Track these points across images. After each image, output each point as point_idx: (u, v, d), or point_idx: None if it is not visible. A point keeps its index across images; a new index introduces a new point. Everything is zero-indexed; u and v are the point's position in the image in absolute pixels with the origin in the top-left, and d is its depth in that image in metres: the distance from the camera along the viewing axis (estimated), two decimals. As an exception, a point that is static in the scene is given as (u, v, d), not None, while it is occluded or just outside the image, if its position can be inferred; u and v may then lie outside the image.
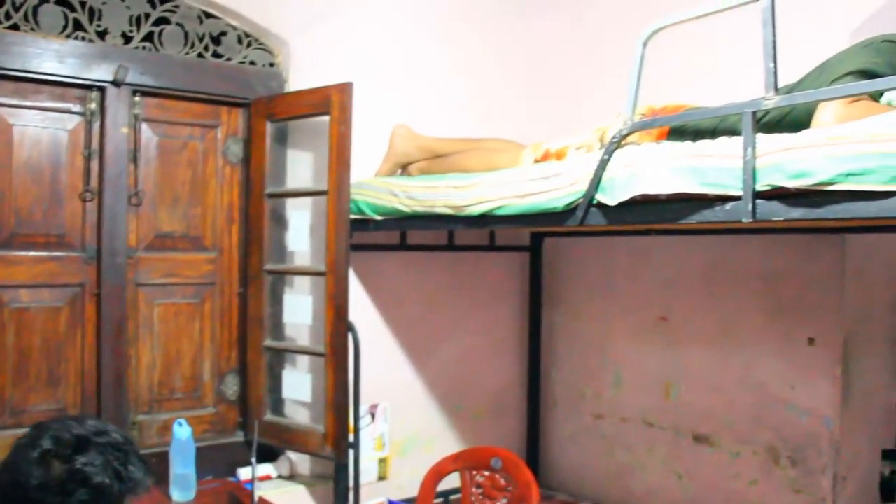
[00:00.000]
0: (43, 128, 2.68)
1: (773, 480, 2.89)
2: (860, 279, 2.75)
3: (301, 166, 3.12)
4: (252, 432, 2.70)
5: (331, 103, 2.77)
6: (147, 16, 2.85)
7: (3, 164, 2.61)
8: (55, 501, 1.44)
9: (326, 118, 2.79)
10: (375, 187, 2.87)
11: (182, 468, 2.60)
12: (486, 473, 2.31)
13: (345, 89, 2.73)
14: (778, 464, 2.87)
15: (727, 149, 1.71)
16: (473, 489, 2.34)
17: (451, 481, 2.45)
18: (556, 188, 2.10)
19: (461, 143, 3.07)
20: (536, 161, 2.49)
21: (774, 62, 1.64)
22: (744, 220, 1.68)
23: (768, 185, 1.63)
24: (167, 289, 2.94)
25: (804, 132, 1.63)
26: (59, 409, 2.71)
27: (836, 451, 2.73)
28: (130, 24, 2.82)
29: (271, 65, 3.11)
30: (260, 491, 2.61)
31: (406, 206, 2.70)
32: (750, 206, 1.66)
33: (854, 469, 2.76)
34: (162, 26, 2.89)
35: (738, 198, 1.69)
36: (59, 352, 2.73)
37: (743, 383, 2.98)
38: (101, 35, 2.75)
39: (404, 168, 3.14)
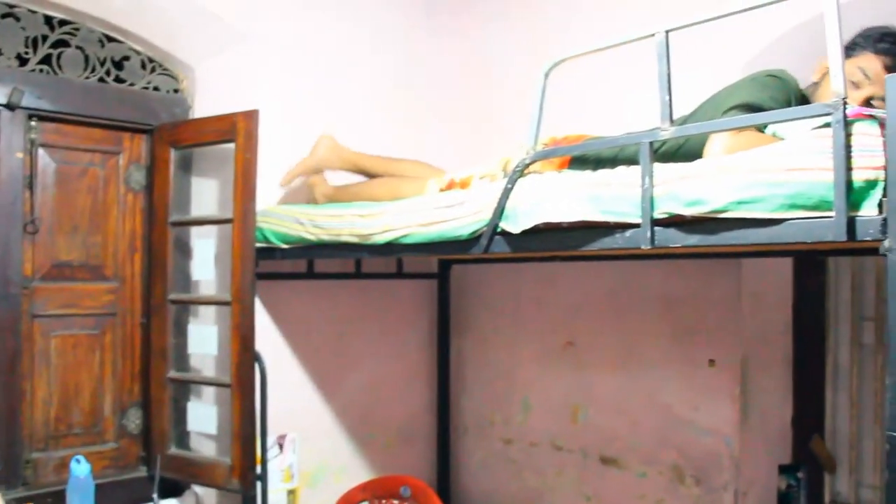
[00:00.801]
0: (-70, 153, 2.57)
1: (679, 499, 2.95)
2: (756, 302, 2.86)
3: (206, 194, 3.07)
4: (155, 467, 2.62)
5: (236, 130, 2.73)
6: (45, 38, 2.78)
7: None
8: None
9: (232, 145, 2.76)
10: (281, 215, 2.84)
11: (80, 507, 2.50)
12: (396, 502, 2.30)
13: (251, 116, 2.71)
14: (683, 483, 2.94)
15: (626, 178, 1.76)
16: (383, 519, 2.33)
17: (361, 511, 2.44)
18: (460, 216, 2.12)
19: (382, 162, 3.07)
20: (441, 190, 2.52)
21: (669, 95, 1.70)
22: (643, 246, 1.72)
23: (665, 213, 1.67)
24: (65, 320, 2.84)
25: (698, 162, 1.69)
26: (-54, 449, 2.58)
27: (736, 468, 2.81)
28: (26, 46, 2.74)
29: (176, 91, 3.06)
30: (163, 527, 2.54)
31: (312, 234, 2.68)
32: (648, 234, 1.70)
33: (753, 485, 2.84)
34: (61, 49, 2.81)
35: (637, 225, 1.73)
36: (-52, 387, 2.60)
37: (648, 405, 3.05)
38: (-5, 57, 2.67)
39: (314, 186, 3.12)
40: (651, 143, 1.70)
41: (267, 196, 2.84)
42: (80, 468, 2.52)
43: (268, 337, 3.11)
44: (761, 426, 2.88)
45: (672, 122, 1.70)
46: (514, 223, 1.98)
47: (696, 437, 2.91)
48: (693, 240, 1.67)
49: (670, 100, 1.70)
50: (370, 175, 3.07)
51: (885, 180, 1.36)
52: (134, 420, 2.99)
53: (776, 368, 2.94)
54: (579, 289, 3.28)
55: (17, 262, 2.69)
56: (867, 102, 1.87)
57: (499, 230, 2.03)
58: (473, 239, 2.10)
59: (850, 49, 1.94)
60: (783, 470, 2.85)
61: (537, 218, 1.90)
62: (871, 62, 1.91)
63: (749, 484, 2.83)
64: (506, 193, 1.98)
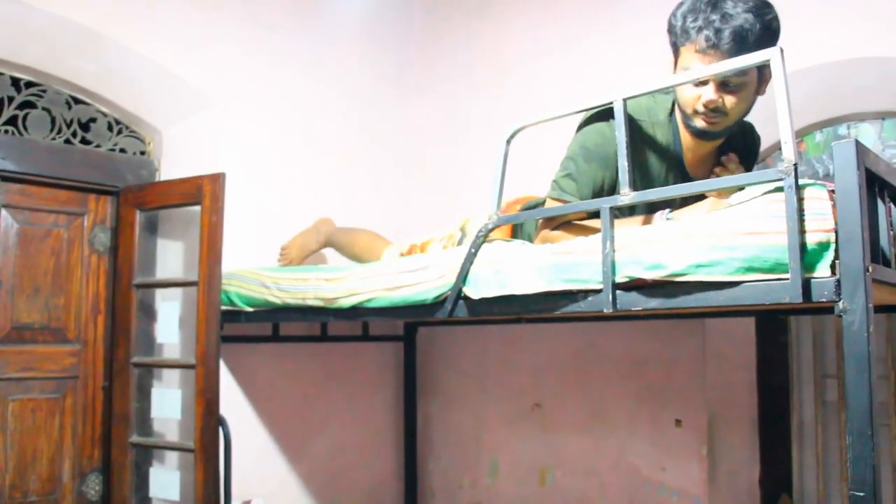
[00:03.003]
0: None
1: (647, 563, 2.93)
2: (720, 361, 2.88)
3: (171, 256, 3.06)
4: (114, 536, 2.56)
5: (202, 193, 2.74)
6: (10, 99, 2.78)
7: None
8: None
9: (198, 208, 2.76)
10: (246, 278, 2.83)
11: (34, 579, 2.43)
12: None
13: (217, 179, 2.72)
14: (651, 545, 2.93)
15: (587, 245, 1.78)
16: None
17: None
18: (424, 281, 2.12)
19: (344, 234, 3.18)
20: (402, 254, 2.53)
21: (628, 161, 1.73)
22: (605, 310, 1.73)
23: (627, 277, 1.69)
24: (24, 383, 2.78)
25: (658, 226, 1.72)
26: None
27: (705, 530, 2.80)
28: (-8, 108, 2.74)
29: (142, 153, 3.07)
30: None
31: (277, 297, 2.67)
32: (610, 298, 1.71)
33: (722, 547, 2.83)
34: (27, 110, 2.81)
35: (599, 290, 1.75)
36: None
37: (616, 466, 3.04)
38: (-41, 119, 2.67)
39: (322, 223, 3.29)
40: (611, 209, 1.73)
41: (232, 259, 2.84)
42: (36, 538, 2.46)
43: (232, 400, 3.07)
44: (729, 486, 2.88)
45: (631, 188, 1.73)
46: (477, 289, 1.99)
47: (664, 497, 2.90)
48: (654, 303, 1.69)
49: (629, 166, 1.73)
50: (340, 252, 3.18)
51: (836, 242, 1.39)
52: (94, 486, 2.92)
53: (742, 427, 2.95)
54: (545, 350, 3.29)
55: (-24, 326, 2.66)
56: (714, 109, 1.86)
57: (462, 295, 2.04)
58: (438, 303, 2.11)
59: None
60: (751, 531, 2.85)
61: (500, 288, 1.92)
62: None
63: (718, 545, 2.82)
64: (469, 258, 1.99)
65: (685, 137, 1.99)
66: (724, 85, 1.82)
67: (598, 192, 1.96)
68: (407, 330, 3.65)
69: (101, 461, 2.93)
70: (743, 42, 1.74)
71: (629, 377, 3.02)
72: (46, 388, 2.84)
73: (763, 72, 1.84)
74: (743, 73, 1.77)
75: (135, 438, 2.88)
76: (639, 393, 3.00)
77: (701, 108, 1.85)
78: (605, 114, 1.94)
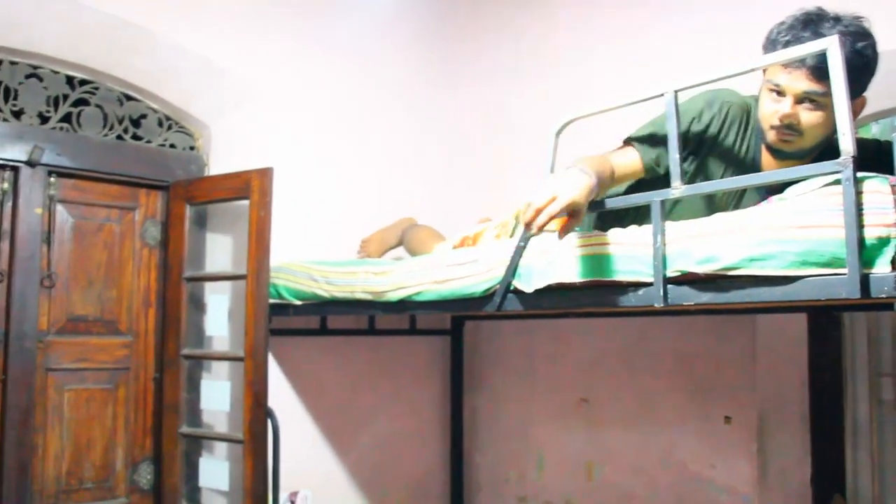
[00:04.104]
0: (-49, 208, 2.61)
1: (696, 560, 2.90)
2: (771, 358, 2.83)
3: (220, 250, 3.09)
4: (165, 524, 2.60)
5: (251, 187, 2.76)
6: (65, 97, 2.83)
7: None
8: None
9: (246, 202, 2.79)
10: (295, 272, 2.85)
11: (89, 564, 2.48)
12: (408, 562, 2.26)
13: (265, 174, 2.74)
14: (700, 543, 2.89)
15: (638, 237, 1.76)
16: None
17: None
18: (473, 274, 2.12)
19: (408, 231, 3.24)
20: (454, 247, 2.53)
21: (679, 153, 1.70)
22: (656, 305, 1.71)
23: (678, 271, 1.67)
24: (79, 374, 2.85)
25: (710, 219, 1.69)
26: (-44, 503, 2.58)
27: (755, 529, 2.76)
28: (48, 105, 2.79)
29: (192, 148, 3.10)
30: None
31: (325, 291, 2.69)
32: (661, 292, 1.69)
33: (773, 546, 2.79)
34: (81, 107, 2.87)
35: (649, 284, 1.73)
36: (-42, 441, 2.60)
37: (664, 463, 3.01)
38: (17, 115, 2.72)
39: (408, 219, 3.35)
40: (663, 202, 1.71)
41: (281, 252, 2.86)
42: (91, 524, 2.51)
43: (281, 393, 3.11)
44: (780, 484, 2.83)
45: (682, 181, 1.70)
46: (527, 282, 1.98)
47: (713, 495, 2.86)
48: (705, 297, 1.66)
49: (680, 158, 1.71)
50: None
51: (898, 238, 1.36)
52: (145, 475, 2.97)
53: (794, 425, 2.90)
54: (593, 345, 3.27)
55: (33, 316, 2.71)
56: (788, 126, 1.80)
57: (512, 288, 2.04)
58: (486, 297, 2.10)
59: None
60: (803, 530, 2.80)
61: (550, 278, 1.90)
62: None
63: (768, 544, 2.77)
64: (519, 252, 1.98)
65: (764, 154, 1.92)
66: (803, 101, 1.76)
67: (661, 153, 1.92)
68: (454, 323, 3.65)
69: (152, 450, 2.99)
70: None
71: (677, 373, 2.99)
72: (100, 378, 2.90)
73: (853, 96, 1.71)
74: (825, 92, 1.65)
75: (185, 429, 2.93)
76: (687, 389, 2.96)
77: (776, 122, 1.79)
78: (704, 98, 1.94)
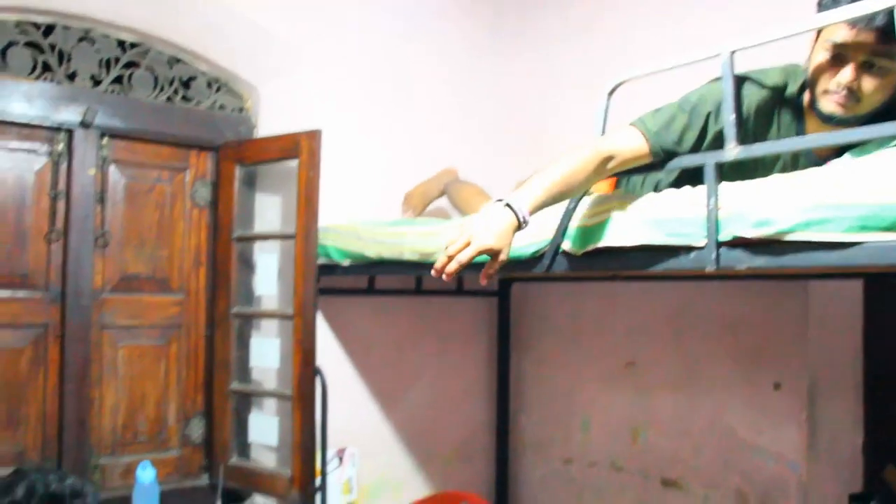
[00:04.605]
0: (9, 168, 2.66)
1: (742, 525, 2.89)
2: (824, 325, 2.78)
3: (269, 210, 3.12)
4: (218, 476, 2.66)
5: (300, 149, 2.78)
6: (117, 59, 2.86)
7: (-33, 205, 2.59)
8: None
9: (295, 163, 2.80)
10: (343, 232, 2.87)
11: (145, 513, 2.56)
12: (454, 520, 2.29)
13: (314, 136, 2.75)
14: (746, 508, 2.88)
15: (690, 199, 1.73)
16: (441, 536, 2.32)
17: (419, 528, 2.44)
18: (522, 236, 2.11)
19: (454, 188, 3.23)
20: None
21: (735, 114, 1.67)
22: (708, 268, 1.69)
23: (731, 235, 1.64)
24: (133, 331, 2.91)
25: (765, 181, 1.65)
26: (19, 452, 2.65)
27: (803, 496, 2.73)
28: (100, 67, 2.82)
29: (241, 109, 3.12)
30: (225, 537, 2.58)
31: (373, 251, 2.70)
32: (713, 255, 1.67)
33: (821, 513, 2.77)
34: (131, 70, 2.89)
35: (701, 247, 1.70)
36: (20, 393, 2.68)
37: (710, 428, 2.99)
38: (71, 77, 2.76)
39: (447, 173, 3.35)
40: (717, 164, 1.68)
41: (329, 212, 2.88)
42: (146, 474, 2.58)
43: (329, 351, 3.15)
44: (830, 453, 2.80)
45: (738, 142, 1.67)
46: (577, 244, 1.96)
47: (760, 461, 2.84)
48: (759, 262, 1.63)
49: (736, 119, 1.67)
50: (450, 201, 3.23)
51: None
52: (197, 429, 3.04)
53: (846, 393, 2.85)
54: (640, 309, 3.24)
55: (88, 275, 2.77)
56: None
57: (560, 250, 2.02)
58: (535, 258, 2.09)
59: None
60: (854, 499, 2.76)
61: (600, 241, 1.89)
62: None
63: (817, 512, 2.75)
64: (568, 214, 1.96)
65: (810, 121, 1.81)
66: (865, 65, 1.63)
67: (678, 144, 1.82)
68: (501, 285, 3.65)
69: (203, 406, 3.05)
70: None
71: (726, 338, 2.95)
72: (152, 335, 2.96)
73: None
74: (890, 55, 1.58)
75: (235, 385, 2.98)
76: (736, 354, 2.92)
77: (834, 87, 1.66)
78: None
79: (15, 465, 1.57)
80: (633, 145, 1.82)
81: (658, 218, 1.77)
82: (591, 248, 1.92)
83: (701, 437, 3.02)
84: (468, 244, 1.68)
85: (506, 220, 1.71)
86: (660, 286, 3.12)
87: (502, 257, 1.71)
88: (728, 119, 1.66)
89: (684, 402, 3.07)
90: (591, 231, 1.92)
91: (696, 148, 1.82)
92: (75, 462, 2.69)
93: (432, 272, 1.74)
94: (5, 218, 2.65)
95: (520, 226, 1.72)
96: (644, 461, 3.21)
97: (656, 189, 2.00)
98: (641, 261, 1.87)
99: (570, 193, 1.84)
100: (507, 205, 1.72)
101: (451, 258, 1.68)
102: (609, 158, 1.81)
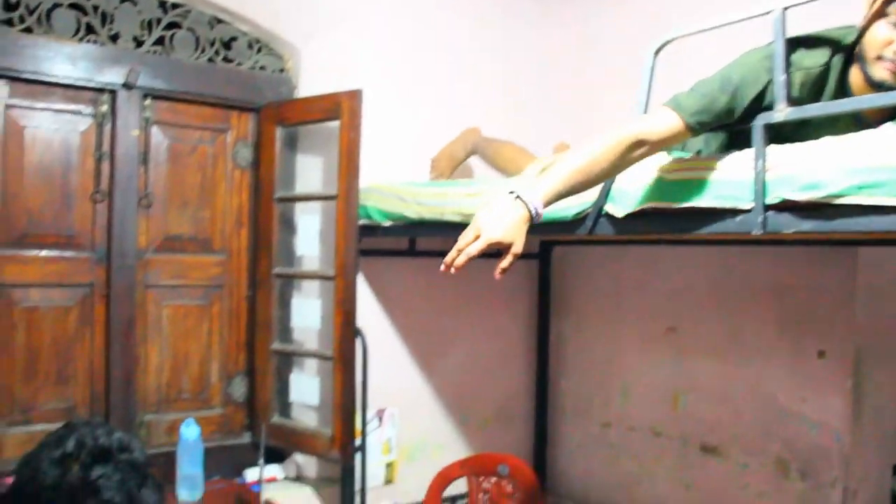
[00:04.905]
0: (55, 129, 2.69)
1: (783, 493, 2.86)
2: (872, 293, 2.72)
3: (310, 171, 3.12)
4: (259, 434, 2.70)
5: (341, 109, 2.77)
6: (158, 20, 2.86)
7: (15, 166, 2.62)
8: None
9: (336, 123, 2.79)
10: (384, 193, 2.86)
11: (189, 468, 2.60)
12: (493, 480, 2.30)
13: (354, 96, 2.74)
14: (787, 476, 2.85)
15: (737, 161, 1.70)
16: (480, 495, 2.33)
17: (458, 487, 2.44)
18: (565, 197, 2.09)
19: (492, 146, 3.16)
20: (543, 170, 2.49)
21: (786, 74, 1.62)
22: (754, 232, 1.66)
23: (778, 198, 1.61)
24: (176, 290, 2.95)
25: (815, 144, 1.61)
26: (68, 408, 2.72)
27: (846, 465, 2.70)
28: (142, 28, 2.83)
29: (281, 70, 3.11)
30: (267, 492, 2.61)
31: (415, 212, 2.69)
32: (760, 219, 1.64)
33: (865, 483, 2.73)
34: (173, 31, 2.89)
35: (748, 210, 1.67)
36: (69, 351, 2.74)
37: (752, 395, 2.96)
38: (113, 39, 2.76)
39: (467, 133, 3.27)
40: (765, 126, 1.64)
41: (370, 173, 2.87)
42: (190, 431, 2.62)
43: (369, 312, 3.16)
44: (875, 422, 2.76)
45: (788, 103, 1.62)
46: (620, 205, 1.94)
47: (803, 429, 2.81)
48: (807, 226, 1.60)
49: (787, 79, 1.63)
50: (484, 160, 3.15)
51: None
52: (239, 388, 3.09)
53: (892, 362, 2.80)
54: (683, 274, 3.20)
55: (132, 235, 2.80)
56: None
57: (604, 212, 2.00)
58: (578, 220, 2.08)
59: None
60: (898, 469, 2.74)
61: (644, 202, 1.86)
62: None
63: (859, 482, 2.71)
64: (612, 176, 1.94)
65: (857, 84, 1.73)
66: None
67: (714, 121, 1.73)
68: (542, 248, 3.63)
69: (245, 365, 3.09)
70: None
71: (770, 304, 2.91)
72: (195, 295, 2.99)
73: None
74: None
75: (276, 345, 3.01)
76: (780, 321, 2.88)
77: (889, 55, 1.61)
78: (764, 65, 1.70)
79: (65, 420, 1.60)
80: (668, 127, 1.72)
81: (703, 180, 1.74)
82: (633, 209, 1.89)
83: (742, 404, 2.99)
84: (477, 237, 1.65)
85: (517, 213, 1.66)
86: (703, 250, 3.08)
87: (515, 250, 1.67)
88: (778, 79, 1.62)
89: (726, 369, 3.04)
90: (634, 193, 1.89)
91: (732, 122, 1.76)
92: (122, 419, 2.75)
93: (441, 267, 1.71)
94: (52, 179, 2.69)
95: (532, 219, 1.68)
96: (684, 427, 3.19)
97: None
98: (685, 224, 1.85)
99: (593, 182, 1.77)
100: (519, 197, 1.67)
101: (460, 251, 1.65)
102: (639, 143, 1.71)
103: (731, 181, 1.69)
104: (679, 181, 1.80)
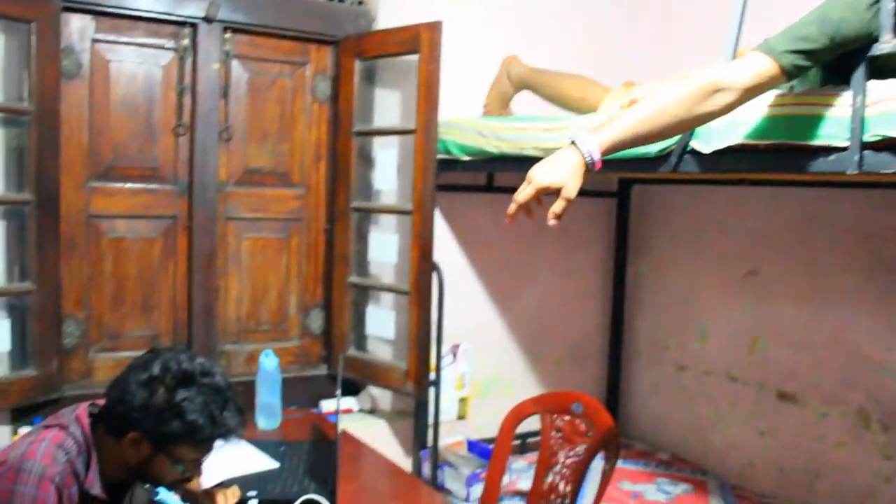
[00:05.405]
0: (138, 63, 2.73)
1: (862, 444, 2.80)
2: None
3: (389, 105, 3.10)
4: (336, 366, 2.75)
5: (420, 42, 2.73)
6: (238, -48, 2.85)
7: (101, 100, 2.68)
8: (150, 425, 1.52)
9: (415, 57, 2.77)
10: (463, 127, 2.84)
11: (268, 397, 2.68)
12: (567, 418, 2.29)
13: (434, 28, 2.70)
14: (868, 427, 2.78)
15: (834, 97, 1.62)
16: (553, 433, 2.33)
17: (530, 424, 2.45)
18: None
19: (553, 78, 2.99)
20: (622, 107, 2.42)
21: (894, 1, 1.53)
22: (849, 171, 1.59)
23: (877, 136, 1.54)
24: (255, 223, 2.99)
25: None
26: (153, 336, 2.82)
27: (932, 418, 2.63)
28: (223, -40, 2.82)
29: (360, 2, 3.08)
30: (342, 424, 2.67)
31: (494, 146, 2.67)
32: (857, 158, 1.57)
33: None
34: (253, -38, 2.88)
35: (843, 149, 1.60)
36: (153, 281, 2.82)
37: (834, 342, 2.88)
38: (195, -29, 2.77)
39: (509, 65, 3.14)
40: (868, 59, 1.55)
41: (449, 107, 2.84)
42: (269, 361, 2.69)
43: (446, 248, 3.17)
44: (964, 374, 2.67)
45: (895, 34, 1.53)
46: (706, 142, 1.88)
47: (886, 380, 2.73)
48: (907, 166, 1.53)
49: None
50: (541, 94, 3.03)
51: None
52: (316, 321, 3.14)
53: None
54: (766, 215, 3.11)
55: (213, 168, 2.84)
56: None
57: (689, 148, 1.94)
58: (661, 157, 2.02)
59: None
60: None
61: (732, 138, 1.80)
62: None
63: (945, 434, 2.64)
64: (699, 110, 1.88)
65: None
66: None
67: (812, 64, 1.62)
68: (621, 186, 3.58)
69: (322, 298, 3.14)
70: None
71: (858, 250, 2.81)
72: (274, 228, 3.03)
73: None
74: None
75: (353, 279, 3.05)
76: (867, 267, 2.78)
77: None
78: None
79: (150, 347, 1.67)
80: (759, 71, 1.59)
81: (797, 115, 1.67)
82: (721, 146, 1.83)
83: (823, 352, 2.92)
84: (529, 182, 1.65)
85: (570, 159, 1.63)
86: (789, 191, 2.97)
87: (565, 194, 1.63)
88: (886, 7, 1.52)
89: (808, 314, 2.97)
90: (722, 129, 1.83)
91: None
92: (203, 348, 2.83)
93: (506, 221, 1.76)
94: (136, 112, 2.74)
95: (587, 166, 1.63)
96: (761, 373, 3.14)
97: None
98: (775, 162, 1.79)
99: (662, 133, 1.67)
100: (574, 143, 1.63)
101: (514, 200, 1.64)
102: (717, 90, 1.59)
103: (826, 118, 1.62)
104: (770, 117, 1.74)
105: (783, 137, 1.70)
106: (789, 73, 1.60)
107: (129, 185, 2.75)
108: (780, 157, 1.75)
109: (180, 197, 2.83)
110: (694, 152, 1.94)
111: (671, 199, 3.53)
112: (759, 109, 1.75)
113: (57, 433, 1.54)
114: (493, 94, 3.17)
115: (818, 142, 1.65)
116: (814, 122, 1.65)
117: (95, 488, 1.55)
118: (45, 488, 1.44)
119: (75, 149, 2.64)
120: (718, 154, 1.86)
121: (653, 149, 2.01)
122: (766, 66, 1.58)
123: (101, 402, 1.62)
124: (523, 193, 1.67)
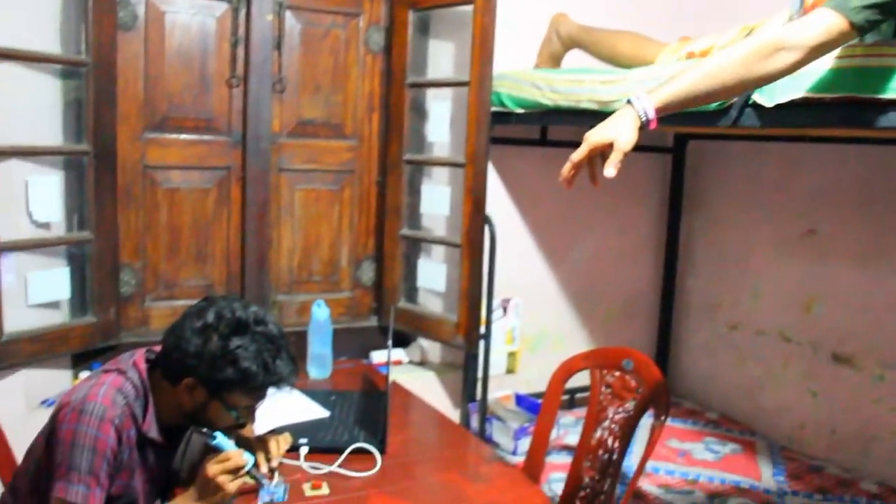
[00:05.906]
0: (193, 14, 2.73)
1: (919, 408, 2.75)
2: None
3: (442, 56, 3.08)
4: (387, 318, 2.77)
5: (475, -8, 2.70)
6: None
7: (156, 51, 2.69)
8: (205, 372, 1.55)
9: (470, 8, 2.73)
10: (518, 79, 2.80)
11: (319, 347, 2.71)
12: (617, 374, 2.28)
13: (490, -22, 2.66)
14: (926, 391, 2.73)
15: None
16: (602, 388, 2.32)
17: (579, 380, 2.45)
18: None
19: (606, 37, 2.93)
20: (679, 60, 2.36)
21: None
22: (921, 126, 1.54)
23: (953, 90, 1.48)
24: (308, 175, 3.00)
25: None
26: (207, 285, 2.86)
27: None
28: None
29: (415, -49, 3.04)
30: (392, 375, 2.69)
31: (549, 99, 2.63)
32: (930, 112, 1.52)
33: None
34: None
35: (916, 103, 1.55)
36: (207, 231, 2.85)
37: (894, 305, 2.81)
38: (248, -80, 2.75)
39: (558, 24, 3.09)
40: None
41: (504, 59, 2.81)
42: (321, 312, 2.72)
43: (498, 201, 3.15)
44: None
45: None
46: (769, 96, 1.83)
47: (947, 344, 2.67)
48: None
49: None
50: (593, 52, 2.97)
51: None
52: (367, 273, 3.16)
53: None
54: (826, 174, 3.03)
55: (266, 119, 2.85)
56: None
57: (750, 102, 1.89)
58: (721, 110, 1.98)
59: None
60: None
61: (795, 91, 1.75)
62: None
63: None
64: (763, 62, 1.82)
65: None
66: None
67: (886, 18, 1.52)
68: (677, 142, 3.52)
69: (374, 250, 3.15)
70: None
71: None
72: (326, 179, 3.04)
73: None
74: None
75: (405, 231, 3.05)
76: (932, 229, 2.71)
77: None
78: None
79: (204, 296, 1.70)
80: (827, 28, 1.50)
81: (868, 67, 1.61)
82: (784, 100, 1.78)
83: (882, 314, 2.86)
84: (585, 140, 1.63)
85: (625, 116, 1.60)
86: (850, 150, 2.89)
87: (619, 146, 1.59)
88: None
89: (867, 276, 2.90)
90: (785, 82, 1.77)
91: None
92: (255, 298, 2.86)
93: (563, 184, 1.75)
94: (191, 64, 2.75)
95: (642, 123, 1.59)
96: (816, 334, 3.09)
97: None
98: (840, 116, 1.73)
99: (723, 93, 1.61)
100: (629, 101, 1.59)
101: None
102: (784, 48, 1.51)
103: (897, 70, 1.56)
104: (838, 69, 1.68)
105: (851, 90, 1.65)
106: (862, 30, 1.51)
107: (183, 136, 2.77)
108: (847, 111, 1.70)
109: (234, 148, 2.84)
110: (755, 106, 1.89)
111: (727, 156, 3.46)
112: (825, 61, 1.69)
113: (116, 377, 1.58)
114: (543, 55, 3.12)
115: (889, 95, 1.59)
116: (885, 74, 1.59)
117: (152, 431, 1.60)
118: (105, 429, 1.49)
119: (131, 100, 2.67)
120: (781, 108, 1.81)
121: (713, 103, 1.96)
122: (836, 23, 1.50)
123: (158, 348, 1.66)
124: (577, 153, 1.66)
